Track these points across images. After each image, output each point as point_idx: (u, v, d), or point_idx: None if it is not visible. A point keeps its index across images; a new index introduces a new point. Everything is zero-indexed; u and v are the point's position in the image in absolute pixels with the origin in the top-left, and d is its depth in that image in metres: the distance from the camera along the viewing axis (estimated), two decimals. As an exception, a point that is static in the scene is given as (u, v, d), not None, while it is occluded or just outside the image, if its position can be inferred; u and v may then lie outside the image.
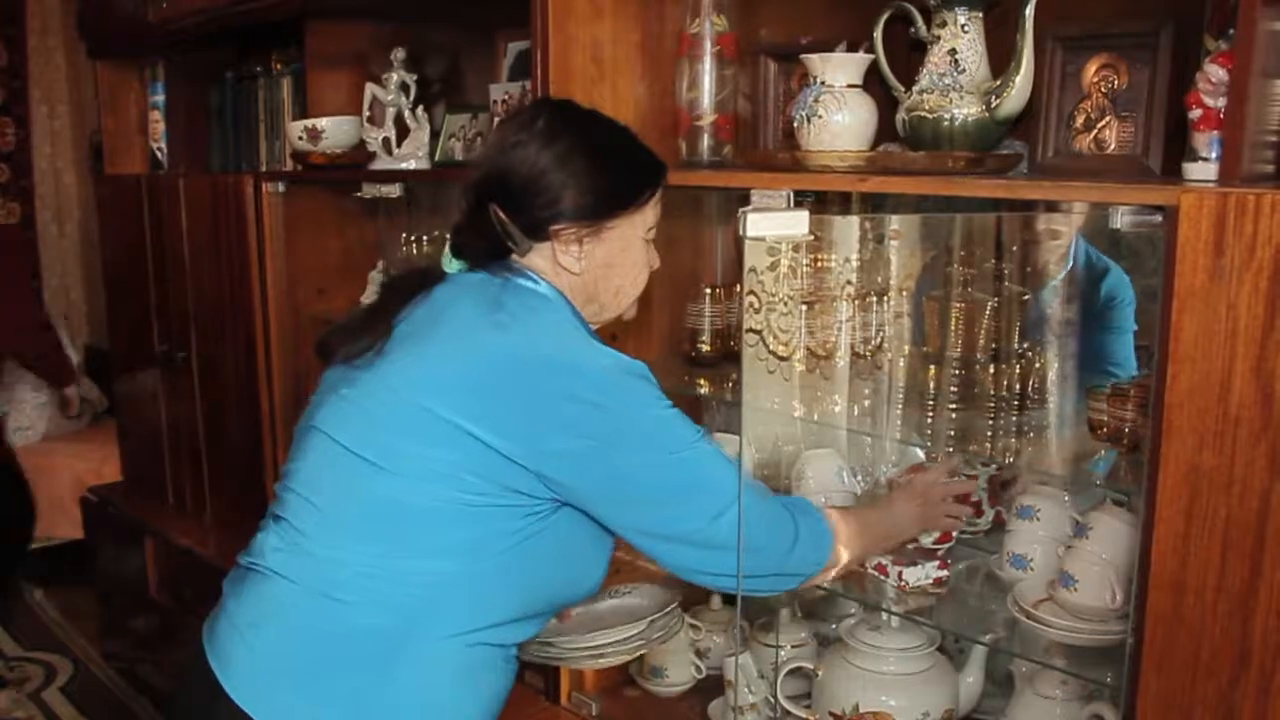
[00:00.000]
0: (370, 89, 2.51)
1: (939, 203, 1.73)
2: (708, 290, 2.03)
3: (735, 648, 1.90)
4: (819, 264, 1.82)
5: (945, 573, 1.69)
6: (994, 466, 1.77)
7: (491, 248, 1.43)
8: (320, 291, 2.78)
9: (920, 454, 1.82)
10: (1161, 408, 1.17)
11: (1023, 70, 1.48)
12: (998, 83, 1.51)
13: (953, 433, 1.67)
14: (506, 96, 2.28)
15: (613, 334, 1.80)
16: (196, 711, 1.38)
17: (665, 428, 1.34)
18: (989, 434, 1.64)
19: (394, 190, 2.39)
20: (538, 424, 1.29)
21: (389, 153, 2.47)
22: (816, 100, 1.61)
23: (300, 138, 2.54)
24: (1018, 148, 1.64)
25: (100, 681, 3.58)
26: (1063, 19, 1.59)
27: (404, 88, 2.49)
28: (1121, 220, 1.24)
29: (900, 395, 1.77)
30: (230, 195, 2.75)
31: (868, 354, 1.81)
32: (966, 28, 1.52)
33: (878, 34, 1.61)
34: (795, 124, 1.65)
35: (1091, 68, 1.58)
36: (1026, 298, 1.73)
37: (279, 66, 2.97)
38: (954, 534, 1.71)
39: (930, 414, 1.70)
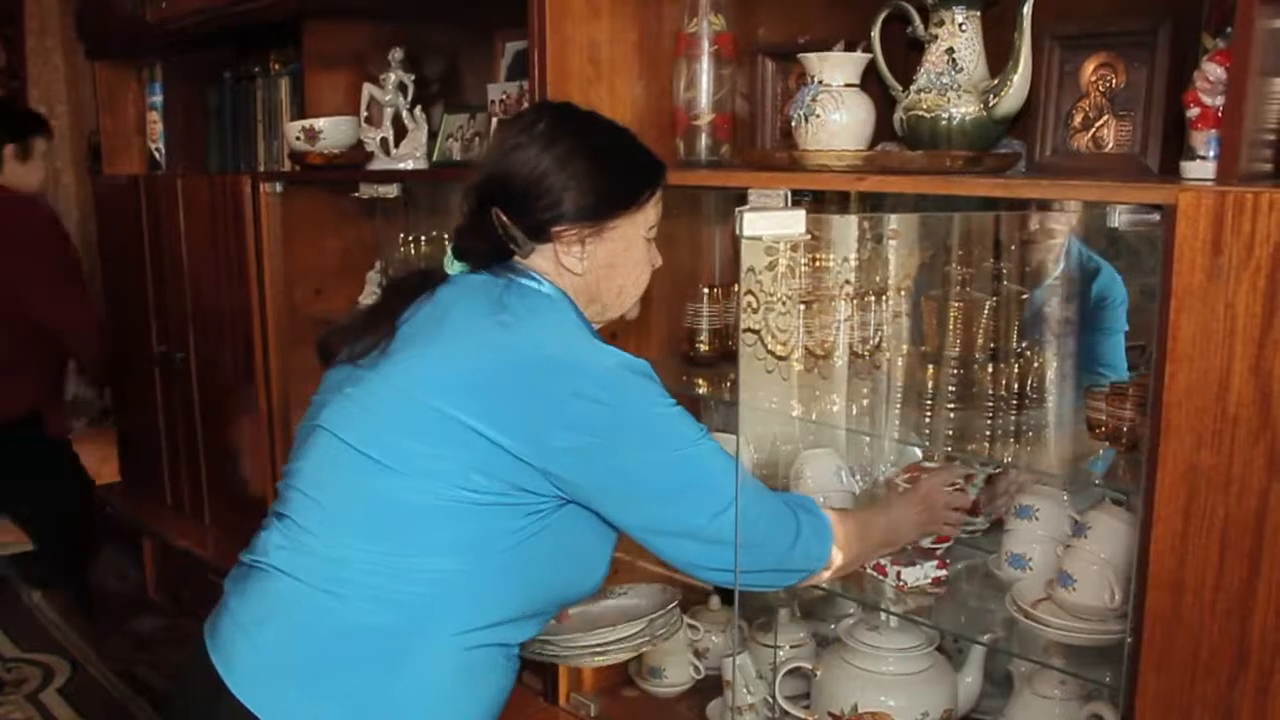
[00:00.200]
0: (368, 89, 2.50)
1: (937, 202, 1.73)
2: (706, 290, 2.03)
3: (734, 648, 1.90)
4: (817, 263, 1.82)
5: (944, 573, 1.69)
6: (992, 467, 1.77)
7: (494, 250, 1.44)
8: (318, 292, 2.78)
9: (918, 453, 1.82)
10: (1160, 407, 1.16)
11: (1020, 69, 1.48)
12: (995, 82, 1.51)
13: (951, 432, 1.67)
14: (504, 96, 2.27)
15: (613, 333, 1.79)
16: (198, 710, 1.38)
17: (669, 425, 1.35)
18: (987, 433, 1.64)
19: (391, 190, 2.39)
20: (544, 422, 1.29)
21: (387, 153, 2.47)
22: (814, 99, 1.61)
23: (298, 138, 2.54)
24: (1016, 147, 1.64)
25: (98, 683, 3.57)
26: (1060, 18, 1.59)
27: (402, 88, 2.49)
28: (1119, 219, 1.23)
29: (898, 395, 1.77)
30: (228, 195, 2.75)
31: (866, 353, 1.81)
32: (964, 26, 1.52)
33: (875, 33, 1.61)
34: (793, 123, 1.64)
35: (1089, 66, 1.57)
36: (1025, 297, 1.73)
37: (277, 67, 2.97)
38: (951, 537, 1.71)
39: (928, 413, 1.70)
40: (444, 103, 2.70)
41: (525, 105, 2.04)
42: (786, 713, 1.80)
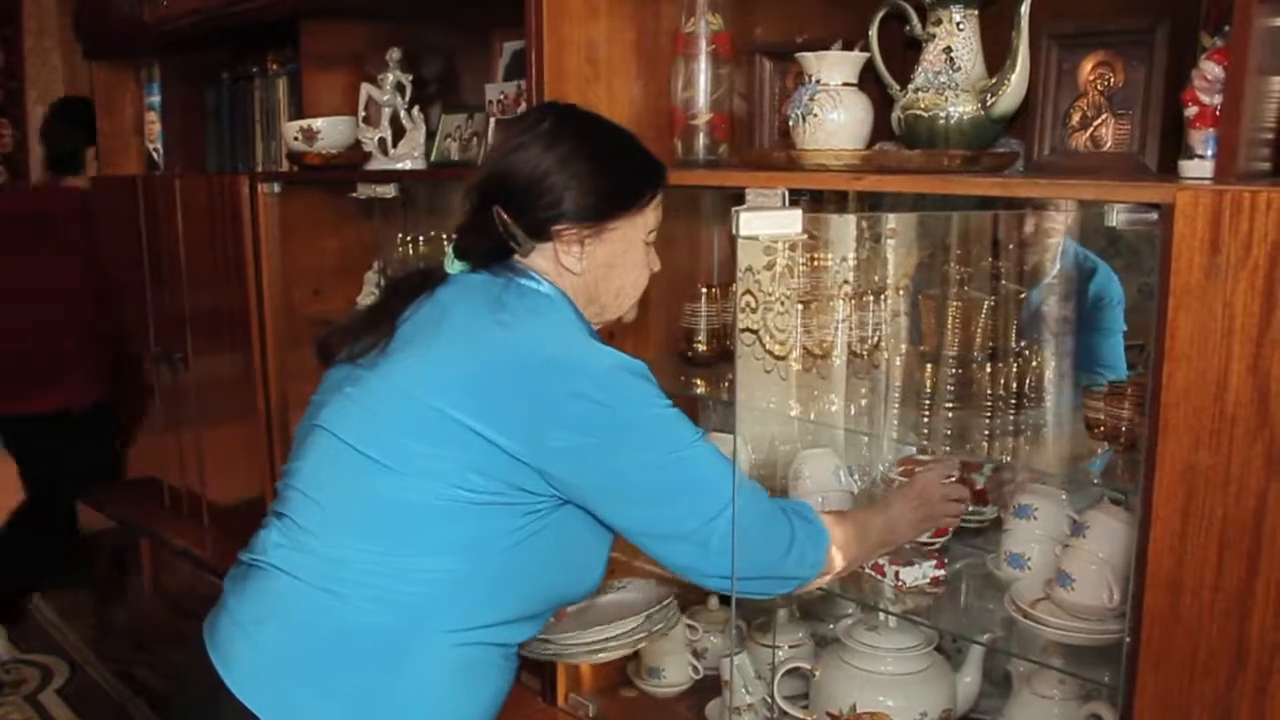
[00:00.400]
0: (366, 89, 2.50)
1: (936, 201, 1.73)
2: (704, 290, 2.03)
3: (732, 648, 1.90)
4: (815, 263, 1.82)
5: (942, 572, 1.69)
6: (992, 466, 1.77)
7: (494, 248, 1.45)
8: (316, 292, 2.77)
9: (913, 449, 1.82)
10: (1158, 406, 1.16)
11: (1018, 68, 1.48)
12: (993, 81, 1.51)
13: (950, 432, 1.66)
14: (502, 96, 2.27)
15: (610, 333, 1.79)
16: (197, 709, 1.38)
17: (665, 427, 1.35)
18: (986, 433, 1.63)
19: (389, 190, 2.38)
20: (541, 421, 1.29)
21: (384, 153, 2.47)
22: (812, 99, 1.61)
23: (295, 138, 2.53)
24: (1013, 146, 1.64)
25: (97, 683, 3.57)
26: (1058, 16, 1.59)
27: (399, 88, 2.49)
28: (1117, 218, 1.23)
29: (897, 394, 1.76)
30: (226, 196, 2.74)
31: (864, 353, 1.81)
32: (962, 25, 1.52)
33: (873, 32, 1.60)
34: (791, 123, 1.64)
35: (1087, 65, 1.57)
36: (1023, 296, 1.72)
37: (275, 67, 2.97)
38: (950, 529, 1.72)
39: (927, 413, 1.69)
40: (442, 103, 2.69)
41: (523, 105, 2.04)
42: (785, 713, 1.80)
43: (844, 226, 1.81)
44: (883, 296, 1.80)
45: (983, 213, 1.73)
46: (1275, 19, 1.22)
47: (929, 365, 1.70)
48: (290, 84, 2.88)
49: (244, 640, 1.35)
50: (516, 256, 1.45)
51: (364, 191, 2.42)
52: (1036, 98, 1.59)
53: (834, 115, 1.59)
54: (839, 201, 1.82)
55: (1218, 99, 1.27)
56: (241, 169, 3.07)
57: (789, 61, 1.92)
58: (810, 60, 1.63)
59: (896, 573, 1.67)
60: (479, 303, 1.39)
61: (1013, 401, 1.65)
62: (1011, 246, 1.75)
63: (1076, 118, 1.59)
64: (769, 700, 1.85)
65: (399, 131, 2.47)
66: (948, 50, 1.52)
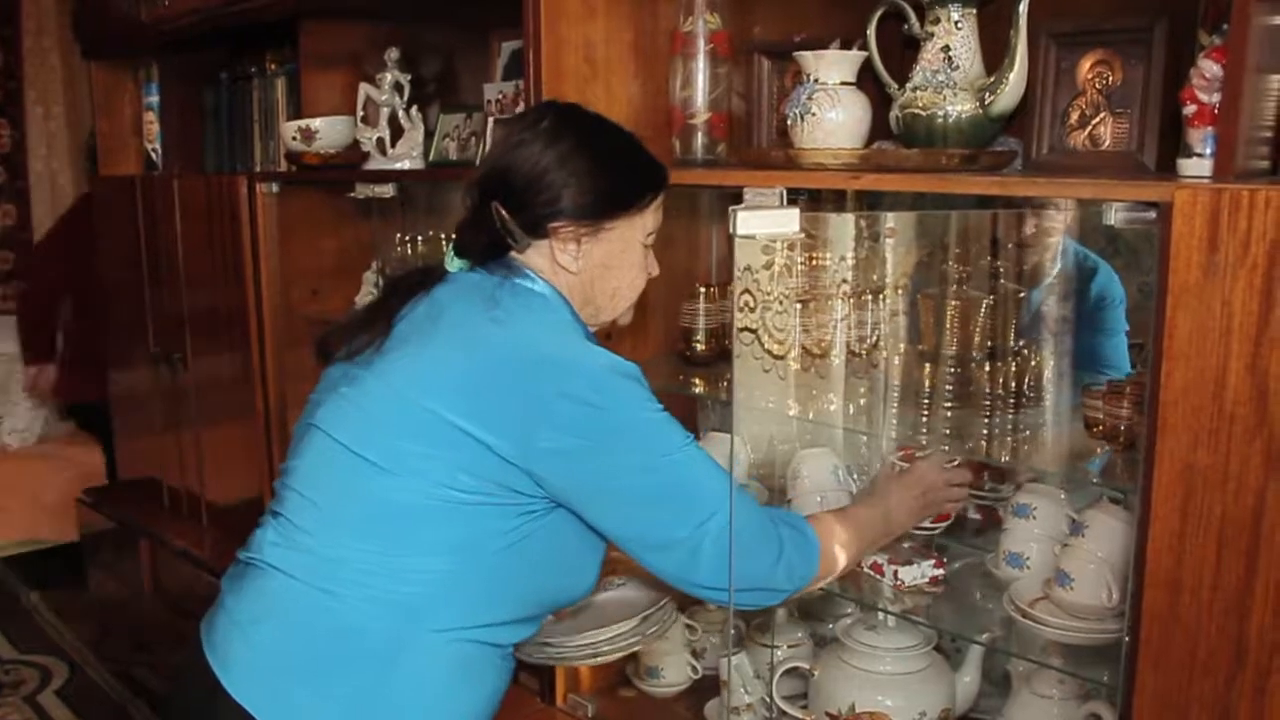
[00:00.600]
0: (364, 89, 2.50)
1: (935, 200, 1.73)
2: (702, 289, 2.03)
3: (730, 648, 1.89)
4: (814, 262, 1.81)
5: (941, 572, 1.69)
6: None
7: (491, 245, 1.45)
8: (314, 292, 2.77)
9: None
10: (1156, 405, 1.16)
11: (1016, 67, 1.48)
12: (991, 79, 1.51)
13: (948, 431, 1.66)
14: (501, 96, 2.27)
15: (607, 334, 1.79)
16: (195, 709, 1.38)
17: (655, 430, 1.34)
18: (984, 432, 1.63)
19: (388, 190, 2.38)
20: (530, 421, 1.29)
21: (383, 153, 2.47)
22: (810, 98, 1.61)
23: (294, 138, 2.53)
24: (1012, 144, 1.63)
25: (96, 684, 3.57)
26: (1056, 15, 1.59)
27: (398, 88, 2.48)
28: (1116, 217, 1.23)
29: (896, 394, 1.76)
30: (224, 196, 2.74)
31: (863, 352, 1.80)
32: (960, 24, 1.52)
33: (871, 31, 1.60)
34: (789, 122, 1.64)
35: (1086, 64, 1.57)
36: (1022, 295, 1.72)
37: (273, 67, 2.96)
38: (953, 514, 1.72)
39: (926, 412, 1.69)
40: (440, 102, 2.69)
41: (521, 105, 2.04)
42: (784, 713, 1.80)
43: (842, 226, 1.81)
44: (881, 296, 1.80)
45: (981, 212, 1.73)
46: (1273, 17, 1.21)
47: (928, 364, 1.70)
48: (289, 84, 2.87)
49: (240, 639, 1.35)
50: (513, 254, 1.45)
51: (362, 191, 2.42)
52: (1035, 96, 1.59)
53: (832, 114, 1.59)
54: (837, 201, 1.82)
55: (1216, 97, 1.27)
56: (240, 169, 3.06)
57: (787, 60, 1.92)
58: (808, 59, 1.62)
59: (895, 572, 1.67)
60: (474, 301, 1.39)
61: (1011, 401, 1.64)
62: (1010, 246, 1.75)
63: (1075, 116, 1.58)
64: (768, 700, 1.85)
65: (397, 131, 2.47)
66: (946, 49, 1.52)
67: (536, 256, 1.44)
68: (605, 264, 1.45)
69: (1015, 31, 1.46)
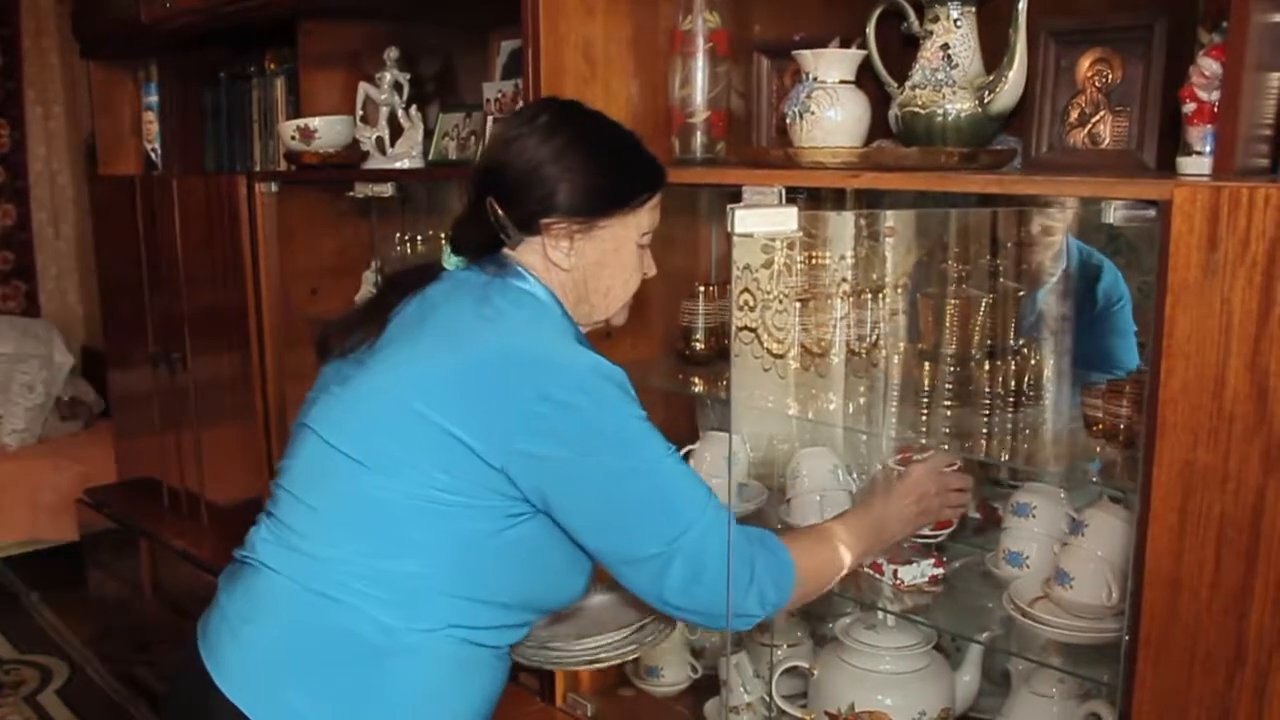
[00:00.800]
0: (363, 88, 2.50)
1: (935, 199, 1.72)
2: (701, 288, 2.03)
3: (730, 647, 1.89)
4: (814, 261, 1.81)
5: (941, 570, 1.69)
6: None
7: (485, 240, 1.43)
8: (314, 292, 2.77)
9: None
10: (1155, 404, 1.16)
11: (1015, 65, 1.47)
12: (990, 78, 1.51)
13: (948, 430, 1.66)
14: (500, 95, 2.27)
15: (607, 333, 1.79)
16: (190, 708, 1.38)
17: (633, 438, 1.31)
18: (984, 431, 1.63)
19: (387, 190, 2.38)
20: (508, 421, 1.27)
21: (382, 152, 2.47)
22: (809, 96, 1.60)
23: (293, 137, 2.53)
24: (1011, 143, 1.63)
25: (96, 684, 3.57)
26: (1056, 13, 1.58)
27: (397, 87, 2.48)
28: (1115, 215, 1.23)
29: (895, 392, 1.76)
30: (224, 195, 2.74)
31: (863, 351, 1.80)
32: (959, 22, 1.52)
33: (870, 29, 1.60)
34: (788, 120, 1.64)
35: (1085, 62, 1.57)
36: (1021, 294, 1.72)
37: (272, 66, 2.96)
38: (954, 521, 1.70)
39: (925, 411, 1.69)
40: (439, 102, 2.69)
41: (520, 104, 2.03)
42: (783, 712, 1.79)
43: (842, 224, 1.81)
44: (881, 295, 1.80)
45: (981, 210, 1.72)
46: (1273, 15, 1.21)
47: (927, 363, 1.70)
48: (288, 83, 2.87)
49: (231, 638, 1.35)
50: (506, 250, 1.43)
51: (361, 191, 2.42)
52: (1034, 95, 1.59)
53: (831, 113, 1.59)
54: (837, 199, 1.82)
55: (1215, 95, 1.26)
56: (239, 169, 3.06)
57: (786, 59, 1.92)
58: (807, 58, 1.62)
59: (895, 571, 1.67)
60: (464, 299, 1.38)
61: (1011, 399, 1.64)
62: (1010, 244, 1.74)
63: (1074, 115, 1.58)
64: (767, 699, 1.85)
65: (396, 130, 2.47)
66: (945, 47, 1.52)
67: (529, 253, 1.43)
68: (598, 262, 1.44)
69: (1014, 29, 1.46)
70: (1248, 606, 1.12)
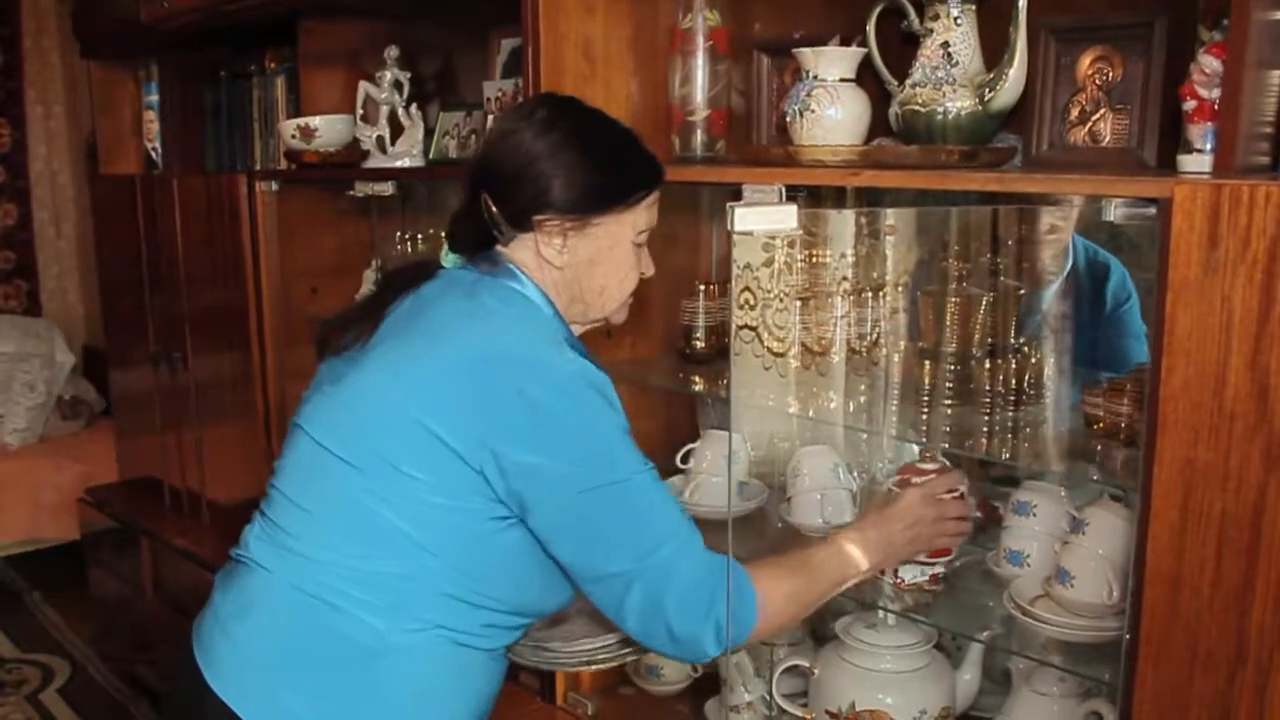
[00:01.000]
0: (364, 87, 2.50)
1: (937, 197, 1.72)
2: (702, 287, 2.02)
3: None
4: (814, 260, 1.81)
5: (942, 569, 1.68)
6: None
7: (479, 236, 1.42)
8: (314, 291, 2.77)
9: (915, 450, 1.81)
10: (1156, 402, 1.16)
11: (1016, 63, 1.47)
12: (991, 75, 1.50)
13: (948, 428, 1.66)
14: (500, 94, 2.27)
15: (607, 332, 1.79)
16: (186, 707, 1.38)
17: (608, 448, 1.28)
18: (985, 429, 1.63)
19: (387, 188, 2.38)
20: (486, 420, 1.26)
21: (383, 151, 2.47)
22: (809, 95, 1.60)
23: (293, 136, 2.53)
24: (1011, 141, 1.63)
25: (98, 683, 3.57)
26: (1056, 10, 1.58)
27: (398, 85, 2.48)
28: (1115, 213, 1.22)
29: (896, 391, 1.76)
30: (224, 194, 2.74)
31: (863, 350, 1.80)
32: (959, 20, 1.51)
33: (871, 27, 1.60)
34: (788, 119, 1.64)
35: (1086, 60, 1.56)
36: (1022, 292, 1.72)
37: (273, 65, 2.96)
38: (952, 549, 1.63)
39: (926, 410, 1.69)
40: (440, 100, 2.69)
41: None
42: (784, 711, 1.79)
43: (842, 223, 1.80)
44: (882, 293, 1.80)
45: (982, 208, 1.72)
46: (1273, 13, 1.21)
47: (928, 362, 1.70)
48: (288, 82, 2.87)
49: (222, 636, 1.35)
50: (499, 247, 1.42)
51: (362, 189, 2.42)
52: (1034, 92, 1.59)
53: (831, 111, 1.59)
54: (837, 198, 1.82)
55: (1216, 93, 1.26)
56: (240, 168, 3.06)
57: (786, 57, 1.91)
58: (808, 56, 1.62)
59: (896, 570, 1.66)
60: (453, 297, 1.37)
61: (1012, 398, 1.64)
62: (1010, 242, 1.74)
63: (1075, 112, 1.58)
64: (768, 698, 1.85)
65: (397, 129, 2.47)
66: (945, 45, 1.52)
67: (521, 250, 1.41)
68: (592, 260, 1.41)
69: (1015, 27, 1.45)
70: (1249, 605, 1.12)
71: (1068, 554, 1.51)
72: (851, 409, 1.81)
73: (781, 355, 1.82)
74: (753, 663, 1.90)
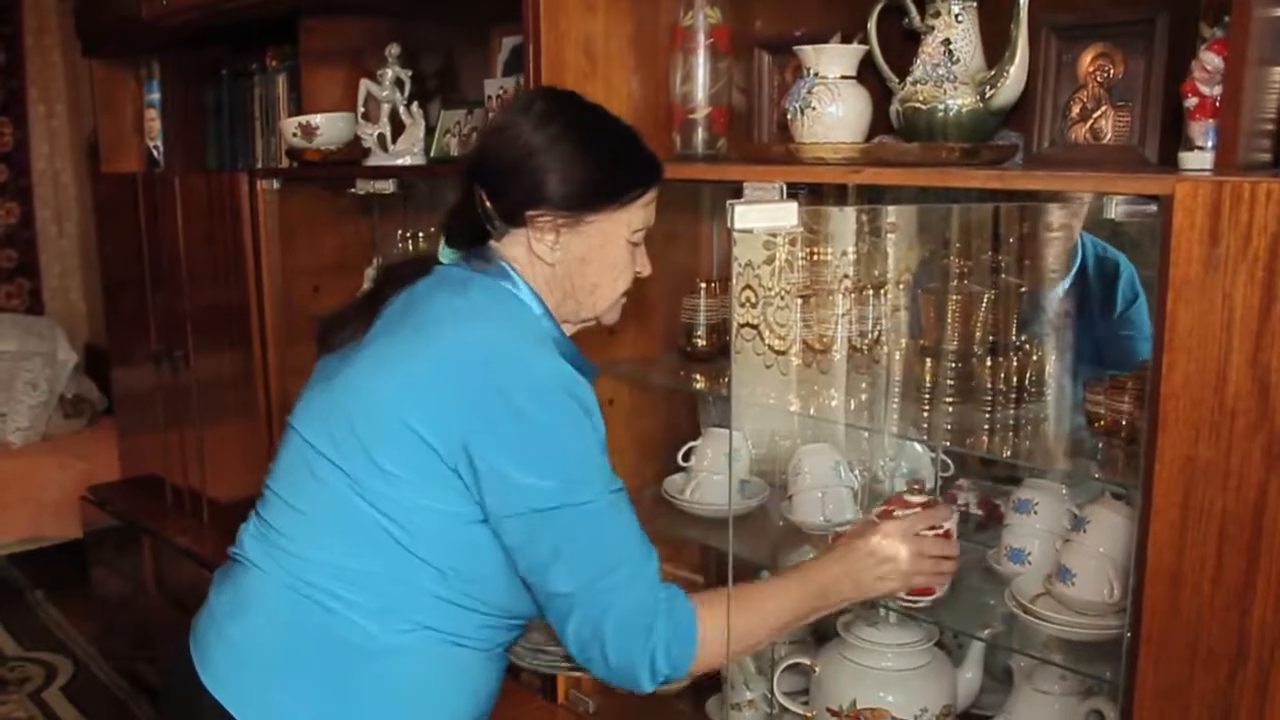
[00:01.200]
0: (365, 85, 2.50)
1: (938, 195, 1.72)
2: (703, 285, 2.02)
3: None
4: (815, 258, 1.81)
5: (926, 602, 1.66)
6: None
7: (473, 231, 1.41)
8: (316, 289, 2.77)
9: (918, 448, 1.80)
10: (1157, 399, 1.15)
11: (1017, 60, 1.47)
12: (992, 73, 1.50)
13: (950, 426, 1.65)
14: (501, 91, 2.27)
15: (610, 330, 1.78)
16: (182, 705, 1.37)
17: (579, 467, 1.25)
18: (986, 427, 1.63)
19: (388, 186, 2.38)
20: (463, 417, 1.24)
21: (384, 149, 2.47)
22: (810, 92, 1.60)
23: (295, 134, 2.53)
24: (1013, 138, 1.63)
25: (100, 681, 3.58)
26: (1057, 8, 1.58)
27: (399, 83, 2.48)
28: (1116, 210, 1.22)
29: (897, 389, 1.76)
30: (226, 193, 2.74)
31: (865, 348, 1.80)
32: (960, 17, 1.51)
33: (872, 25, 1.59)
34: (789, 116, 1.63)
35: (1087, 57, 1.56)
36: (1023, 290, 1.72)
37: (274, 63, 2.96)
38: (936, 588, 1.54)
39: (927, 408, 1.69)
40: (441, 98, 2.69)
41: (520, 99, 2.03)
42: (785, 709, 1.79)
43: (844, 221, 1.80)
44: (883, 291, 1.79)
45: (984, 206, 1.72)
46: (1274, 9, 1.21)
47: (929, 359, 1.70)
48: (289, 80, 2.87)
49: (217, 636, 1.35)
50: (492, 243, 1.41)
51: (363, 188, 2.42)
52: (1036, 90, 1.58)
53: (832, 109, 1.58)
54: (839, 195, 1.81)
55: (1217, 90, 1.26)
56: (241, 166, 3.06)
57: (787, 55, 1.91)
58: (809, 53, 1.62)
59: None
60: (444, 294, 1.36)
61: (1013, 396, 1.64)
62: (1012, 240, 1.74)
63: (1076, 110, 1.58)
64: (769, 696, 1.85)
65: (398, 127, 2.47)
66: (946, 42, 1.51)
67: (514, 246, 1.39)
68: (584, 258, 1.39)
69: (1016, 24, 1.45)
70: (1250, 602, 1.12)
71: (1069, 552, 1.50)
72: (853, 407, 1.81)
73: (783, 353, 1.82)
74: (754, 661, 1.90)
